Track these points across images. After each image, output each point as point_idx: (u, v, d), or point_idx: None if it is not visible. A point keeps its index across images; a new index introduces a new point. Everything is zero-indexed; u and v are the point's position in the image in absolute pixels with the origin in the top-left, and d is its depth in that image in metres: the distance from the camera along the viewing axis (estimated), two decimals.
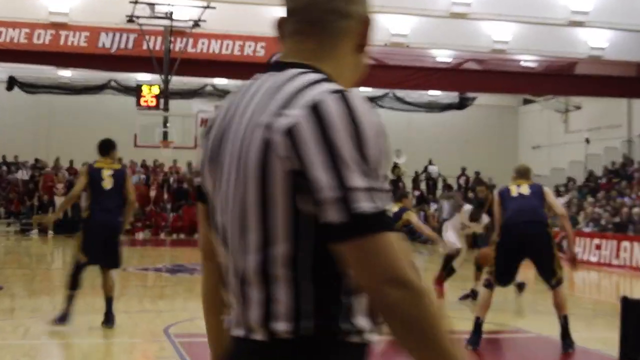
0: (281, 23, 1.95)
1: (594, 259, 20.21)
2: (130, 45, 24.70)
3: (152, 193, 30.88)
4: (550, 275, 8.62)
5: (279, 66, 1.87)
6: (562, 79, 28.84)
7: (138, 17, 24.05)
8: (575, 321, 9.17)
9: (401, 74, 27.71)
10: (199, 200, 2.01)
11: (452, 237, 13.05)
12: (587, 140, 29.81)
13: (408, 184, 35.17)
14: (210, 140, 1.90)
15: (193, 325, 9.90)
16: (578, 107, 33.52)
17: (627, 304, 1.76)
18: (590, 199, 26.07)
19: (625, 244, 19.36)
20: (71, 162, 31.57)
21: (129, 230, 29.07)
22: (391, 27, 25.92)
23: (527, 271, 20.17)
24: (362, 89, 32.08)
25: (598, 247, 20.33)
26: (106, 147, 9.50)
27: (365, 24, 1.91)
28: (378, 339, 1.77)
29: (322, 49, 1.88)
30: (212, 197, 1.90)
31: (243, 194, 1.75)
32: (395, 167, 33.99)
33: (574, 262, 9.16)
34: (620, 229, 20.64)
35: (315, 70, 1.82)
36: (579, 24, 25.01)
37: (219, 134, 1.87)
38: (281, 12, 1.94)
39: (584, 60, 27.94)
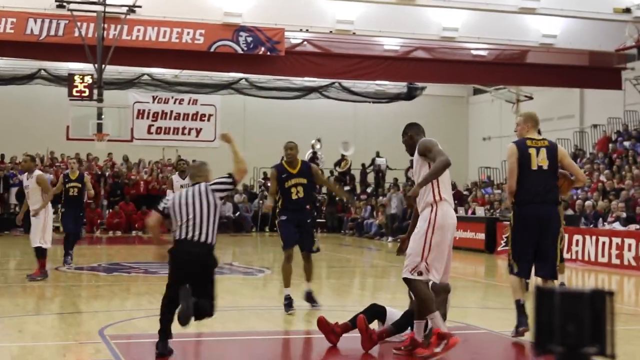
0: None
1: None
2: (60, 32, 24.39)
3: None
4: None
5: None
6: (513, 68, 29.30)
7: (69, 2, 23.77)
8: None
9: (347, 63, 27.86)
10: None
11: None
12: (539, 132, 30.27)
13: (356, 176, 35.39)
14: None
15: (130, 325, 9.89)
16: (530, 97, 34.02)
17: (540, 292, 1.86)
18: None
19: (577, 237, 19.75)
20: (2, 155, 31.10)
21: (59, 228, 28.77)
22: (337, 14, 26.05)
23: (477, 266, 20.45)
24: (307, 78, 32.20)
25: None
26: None
27: None
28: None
29: None
30: None
31: None
32: (343, 159, 34.15)
33: None
34: (571, 222, 21.03)
35: None
36: (530, 11, 25.40)
37: None
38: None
39: (535, 49, 28.39)
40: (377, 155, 34.82)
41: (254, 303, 11.21)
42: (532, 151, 8.79)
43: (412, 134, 8.20)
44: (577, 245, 19.71)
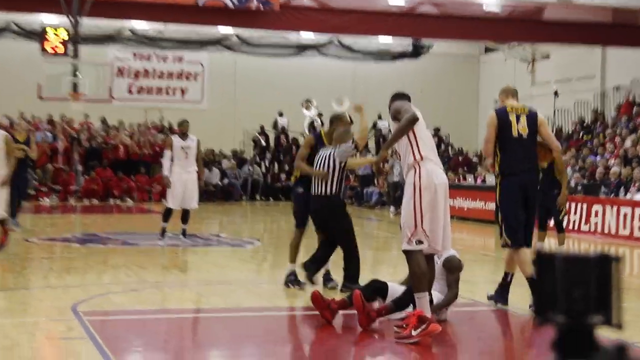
0: None
1: None
2: None
3: (59, 153, 30.51)
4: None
5: None
6: (528, 25, 29.08)
7: None
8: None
9: (348, 18, 27.65)
10: None
11: None
12: (556, 93, 30.21)
13: None
14: None
15: (106, 301, 9.88)
16: (546, 56, 33.92)
17: (541, 258, 1.83)
18: None
19: (597, 207, 19.73)
20: None
21: (32, 196, 28.81)
22: None
23: (487, 238, 20.48)
24: (303, 34, 32.03)
25: (566, 211, 20.68)
26: None
27: None
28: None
29: None
30: None
31: None
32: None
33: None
34: (590, 191, 21.03)
35: None
36: None
37: None
38: None
39: (553, 5, 28.21)
40: (379, 117, 34.66)
41: (242, 277, 11.22)
42: (512, 118, 9.15)
43: (390, 105, 8.31)
44: (596, 216, 19.68)
